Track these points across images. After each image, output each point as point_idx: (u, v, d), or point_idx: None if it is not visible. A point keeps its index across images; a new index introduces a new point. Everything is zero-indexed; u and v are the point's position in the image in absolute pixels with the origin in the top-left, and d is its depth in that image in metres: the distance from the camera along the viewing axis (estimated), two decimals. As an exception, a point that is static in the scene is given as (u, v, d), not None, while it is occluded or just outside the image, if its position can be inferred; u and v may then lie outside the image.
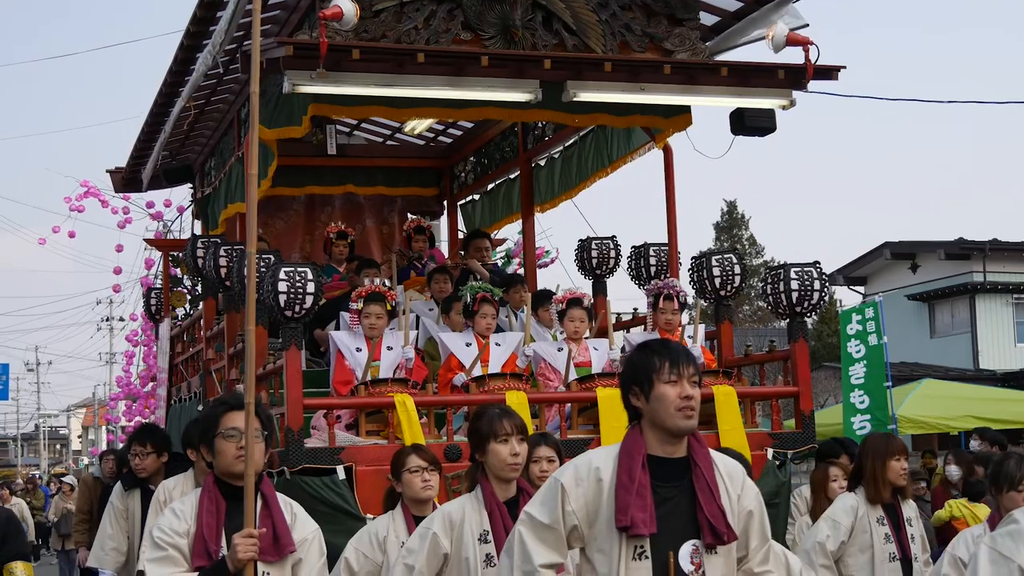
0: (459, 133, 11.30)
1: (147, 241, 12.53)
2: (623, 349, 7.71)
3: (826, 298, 7.75)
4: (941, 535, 8.91)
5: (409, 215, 11.64)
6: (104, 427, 43.30)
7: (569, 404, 7.28)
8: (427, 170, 11.72)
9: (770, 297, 7.60)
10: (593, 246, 9.23)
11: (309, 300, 6.67)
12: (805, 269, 7.48)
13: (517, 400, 6.61)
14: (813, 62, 7.49)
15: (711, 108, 8.13)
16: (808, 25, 7.69)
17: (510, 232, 12.38)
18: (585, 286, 9.19)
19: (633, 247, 9.04)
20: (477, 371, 7.32)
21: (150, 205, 13.79)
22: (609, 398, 6.83)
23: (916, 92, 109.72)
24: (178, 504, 4.25)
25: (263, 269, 6.84)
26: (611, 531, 3.45)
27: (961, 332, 26.51)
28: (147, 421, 11.03)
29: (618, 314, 9.39)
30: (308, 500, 6.11)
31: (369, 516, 6.09)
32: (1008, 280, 26.15)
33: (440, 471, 5.17)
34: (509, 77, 7.40)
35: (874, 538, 5.87)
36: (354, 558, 4.95)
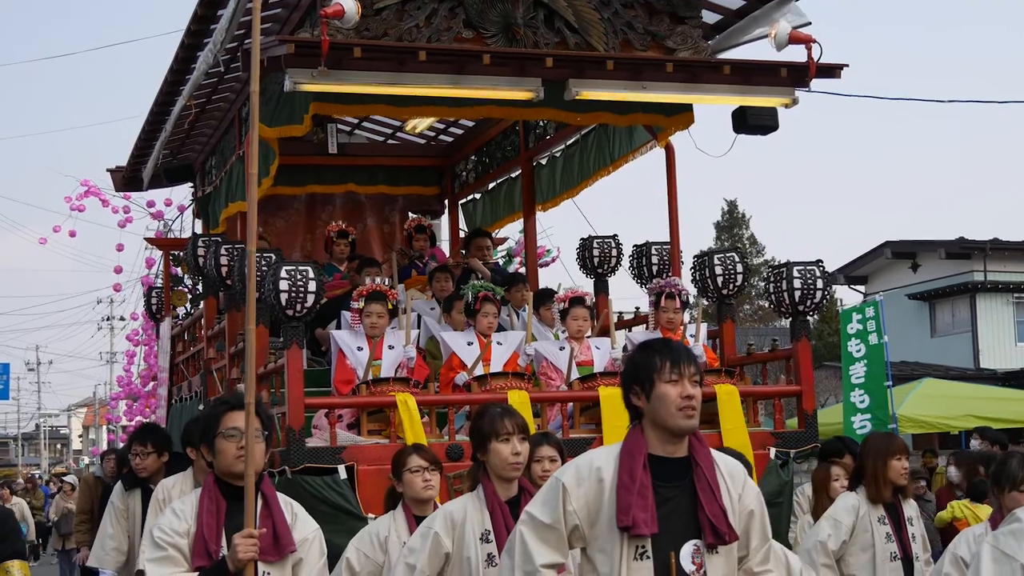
0: (460, 132, 11.29)
1: (148, 240, 12.51)
2: (625, 348, 7.70)
3: (828, 297, 7.74)
4: (944, 536, 8.89)
5: (410, 214, 11.63)
6: (105, 427, 43.37)
7: (571, 403, 7.27)
8: (428, 169, 11.71)
9: (773, 296, 7.59)
10: (595, 245, 9.22)
11: (311, 299, 6.67)
12: (808, 268, 7.47)
13: (519, 399, 6.60)
14: (816, 60, 7.48)
15: (713, 106, 8.12)
16: (810, 23, 7.68)
17: (511, 231, 12.38)
18: (586, 285, 9.19)
19: (635, 246, 9.03)
20: (479, 370, 7.32)
21: (151, 204, 13.77)
22: (611, 397, 6.82)
23: (918, 90, 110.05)
24: (178, 504, 4.25)
25: (264, 268, 6.83)
26: (612, 531, 3.45)
27: (962, 331, 26.51)
28: (148, 421, 11.00)
29: (620, 313, 9.38)
30: (309, 500, 6.10)
31: (371, 516, 6.08)
32: (1009, 279, 26.15)
33: (441, 471, 5.16)
34: (511, 75, 7.38)
35: (875, 537, 5.87)
36: (355, 558, 4.94)
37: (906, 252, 27.72)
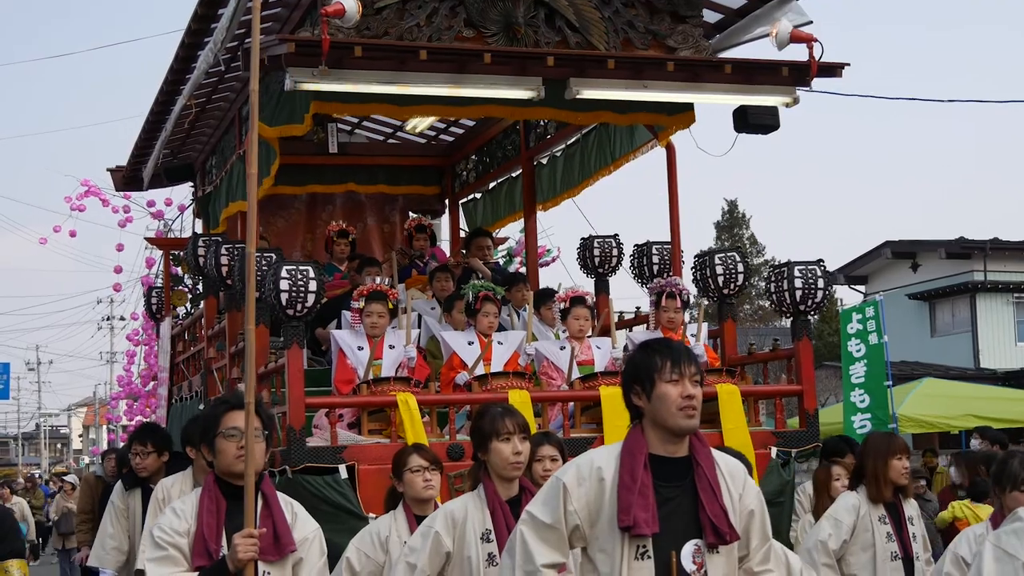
0: (461, 131, 11.29)
1: (148, 240, 12.51)
2: (626, 348, 7.69)
3: (829, 297, 7.74)
4: (945, 536, 8.88)
5: (410, 213, 11.63)
6: (105, 426, 43.40)
7: (572, 403, 7.27)
8: (429, 168, 11.71)
9: (774, 295, 7.58)
10: (595, 244, 9.21)
11: (311, 299, 6.66)
12: (809, 267, 7.47)
13: (520, 399, 6.60)
14: (817, 59, 7.48)
15: (714, 106, 8.11)
16: (812, 22, 7.68)
17: (512, 231, 12.39)
18: (587, 285, 9.19)
19: (635, 245, 9.03)
20: (479, 370, 7.31)
21: (151, 204, 13.77)
22: (612, 397, 6.81)
23: (919, 89, 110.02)
24: (178, 503, 4.25)
25: (264, 268, 6.83)
26: (613, 531, 3.45)
27: (962, 331, 26.50)
28: (148, 420, 11.00)
29: (620, 312, 9.38)
30: (310, 499, 6.10)
31: (371, 515, 6.07)
32: (1009, 279, 26.14)
33: (441, 471, 5.15)
34: (512, 74, 7.38)
35: (876, 537, 5.86)
36: (356, 558, 4.93)
37: (906, 252, 27.71)
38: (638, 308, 9.07)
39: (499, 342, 7.63)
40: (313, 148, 10.47)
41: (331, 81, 6.97)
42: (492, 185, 11.15)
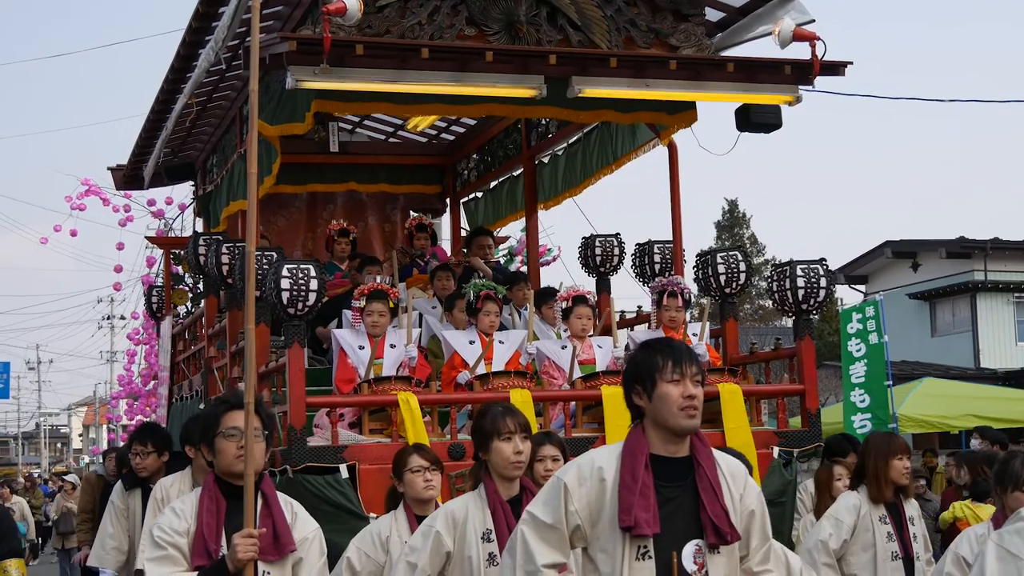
0: (462, 130, 11.28)
1: (148, 239, 12.49)
2: (627, 347, 7.68)
3: (830, 296, 7.73)
4: (945, 537, 8.86)
5: (411, 212, 11.63)
6: (105, 425, 43.40)
7: (574, 402, 7.25)
8: (430, 167, 11.70)
9: (776, 295, 7.57)
10: (597, 243, 9.20)
11: (312, 297, 6.65)
12: (811, 266, 7.46)
13: (521, 398, 6.59)
14: (820, 58, 7.46)
15: (716, 104, 8.11)
16: (814, 20, 7.67)
17: (513, 230, 12.37)
18: (588, 284, 9.18)
19: (637, 244, 9.02)
20: (481, 369, 7.30)
21: (151, 203, 13.75)
22: (614, 396, 6.80)
23: (921, 87, 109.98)
24: (178, 503, 4.24)
25: (265, 267, 6.82)
26: (614, 531, 3.44)
27: (962, 331, 26.49)
28: (148, 420, 10.99)
29: (622, 312, 9.36)
30: (311, 499, 6.09)
31: (372, 515, 6.06)
32: (1009, 279, 26.13)
33: (442, 471, 5.14)
34: (513, 73, 7.37)
35: (876, 537, 5.86)
36: (356, 557, 4.92)
37: (906, 251, 27.71)
38: (639, 307, 9.06)
39: (500, 341, 7.62)
40: (314, 147, 10.46)
41: (332, 79, 6.96)
42: (493, 184, 11.14)
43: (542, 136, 10.17)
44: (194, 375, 9.54)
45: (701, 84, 7.72)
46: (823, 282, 7.44)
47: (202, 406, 8.61)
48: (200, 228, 10.33)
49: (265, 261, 6.92)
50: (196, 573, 4.03)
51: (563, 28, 7.66)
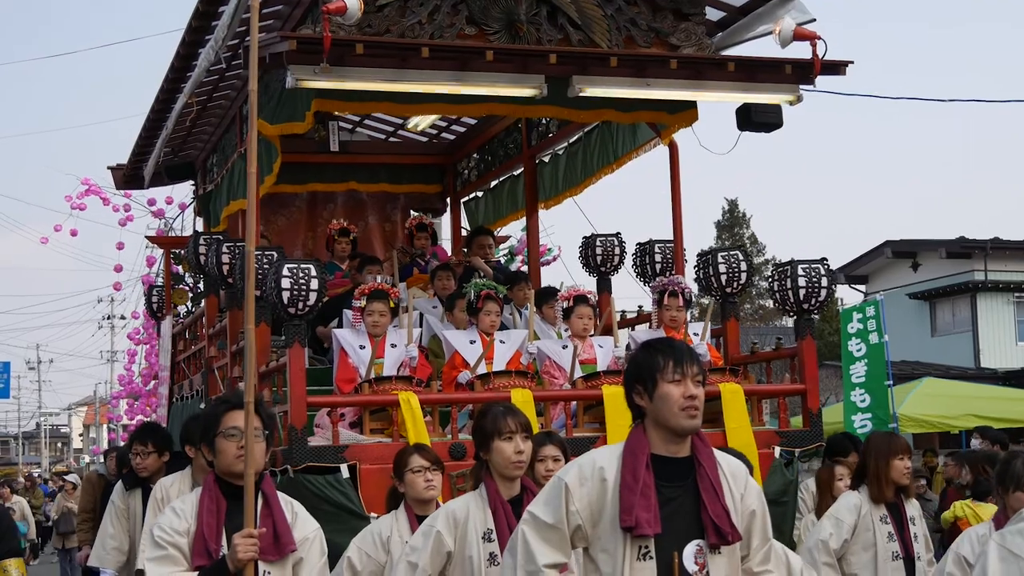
0: (462, 130, 11.27)
1: (149, 238, 12.49)
2: (628, 347, 7.67)
3: (831, 295, 7.72)
4: (946, 536, 8.86)
5: (412, 212, 11.62)
6: (105, 425, 43.40)
7: (575, 402, 7.25)
8: (430, 167, 11.69)
9: (777, 294, 7.56)
10: (598, 243, 9.19)
11: (313, 297, 6.65)
12: (812, 266, 7.46)
13: (522, 398, 6.59)
14: (820, 57, 7.46)
15: (717, 104, 8.09)
16: (815, 20, 7.67)
17: (513, 229, 12.37)
18: (589, 283, 9.17)
19: (638, 244, 9.01)
20: (481, 369, 7.29)
21: (152, 202, 13.75)
22: (615, 396, 6.79)
23: (921, 87, 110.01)
24: (178, 503, 4.23)
25: (265, 266, 6.81)
26: (615, 531, 3.44)
27: (962, 331, 26.49)
28: (149, 420, 10.98)
29: (623, 311, 9.35)
30: (312, 499, 6.08)
31: (373, 515, 6.05)
32: (1009, 279, 26.13)
33: (443, 471, 5.14)
34: (514, 72, 7.37)
35: (877, 537, 5.86)
36: (357, 557, 4.92)
37: (906, 251, 27.71)
38: (640, 307, 9.05)
39: (501, 341, 7.62)
40: (314, 146, 10.46)
41: (332, 79, 6.96)
42: (494, 183, 11.13)
43: (542, 135, 10.17)
44: (194, 375, 9.54)
45: (702, 83, 7.71)
46: (824, 282, 7.44)
47: (202, 406, 8.61)
48: (200, 228, 10.32)
49: (265, 261, 6.91)
50: (196, 573, 4.02)
51: (563, 27, 7.66)
